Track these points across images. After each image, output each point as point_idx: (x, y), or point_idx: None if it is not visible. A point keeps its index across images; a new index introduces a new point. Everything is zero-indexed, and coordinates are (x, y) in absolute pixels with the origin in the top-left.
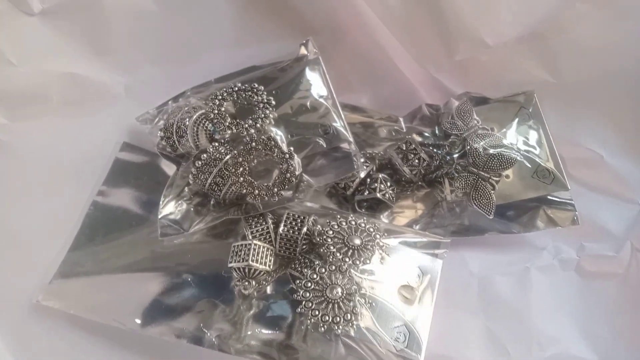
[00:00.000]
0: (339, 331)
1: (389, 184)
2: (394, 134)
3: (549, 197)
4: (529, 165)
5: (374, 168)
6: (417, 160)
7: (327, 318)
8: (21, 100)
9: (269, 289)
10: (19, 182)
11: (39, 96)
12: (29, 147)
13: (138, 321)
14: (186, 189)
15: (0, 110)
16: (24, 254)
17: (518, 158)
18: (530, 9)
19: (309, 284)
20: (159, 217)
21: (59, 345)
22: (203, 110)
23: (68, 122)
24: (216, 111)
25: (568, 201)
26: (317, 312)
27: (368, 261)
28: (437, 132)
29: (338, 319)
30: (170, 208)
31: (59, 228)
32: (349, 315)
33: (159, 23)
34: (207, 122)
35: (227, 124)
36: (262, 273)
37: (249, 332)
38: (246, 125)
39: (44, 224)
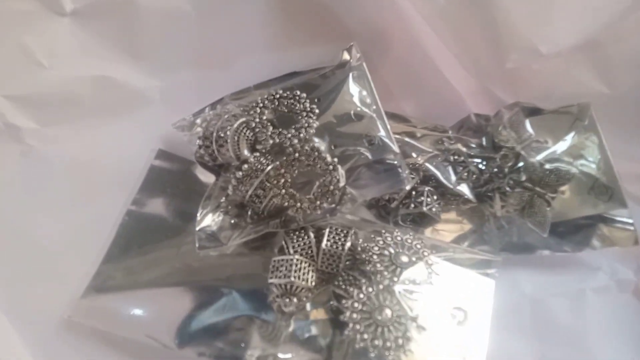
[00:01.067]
0: (390, 357)
1: (435, 197)
2: (439, 144)
3: (605, 215)
4: (586, 181)
5: (419, 180)
6: (466, 174)
7: (377, 343)
8: (52, 105)
9: (308, 306)
10: (50, 190)
11: (70, 100)
12: (60, 154)
13: (174, 338)
14: (224, 200)
15: (30, 114)
16: (55, 267)
17: (576, 173)
18: (588, 17)
19: (357, 305)
20: (197, 229)
21: None
22: (244, 119)
23: (101, 127)
24: (258, 120)
25: (626, 220)
26: (366, 336)
27: (416, 281)
28: (484, 143)
29: (389, 344)
30: (208, 220)
31: (91, 239)
32: (400, 340)
33: (195, 25)
34: (249, 131)
35: (270, 133)
36: (303, 290)
37: (289, 354)
38: (289, 135)
39: (76, 235)
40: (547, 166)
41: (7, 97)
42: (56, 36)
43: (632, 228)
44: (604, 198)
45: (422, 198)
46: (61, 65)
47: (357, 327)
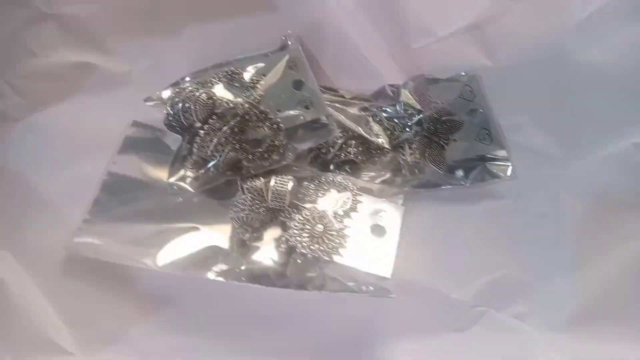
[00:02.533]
0: (324, 258)
1: (360, 149)
2: (364, 109)
3: (489, 156)
4: (472, 131)
5: (348, 137)
6: (382, 130)
7: (313, 247)
8: (42, 87)
9: (262, 235)
10: (42, 155)
11: (58, 82)
12: (49, 125)
13: (159, 263)
14: (190, 156)
15: (25, 94)
16: (50, 213)
17: (464, 124)
18: (473, 4)
19: (298, 224)
20: (169, 180)
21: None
22: (205, 90)
23: (85, 104)
24: (214, 90)
25: (505, 158)
26: (305, 243)
27: (345, 206)
28: (397, 107)
29: (322, 247)
30: (178, 173)
31: (79, 193)
32: (331, 245)
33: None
34: (209, 99)
35: (225, 100)
36: (256, 220)
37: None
38: (241, 102)
39: (66, 190)
40: (442, 119)
41: (7, 81)
42: (45, 31)
43: (509, 163)
44: (487, 142)
45: (350, 149)
46: (49, 54)
47: (299, 238)
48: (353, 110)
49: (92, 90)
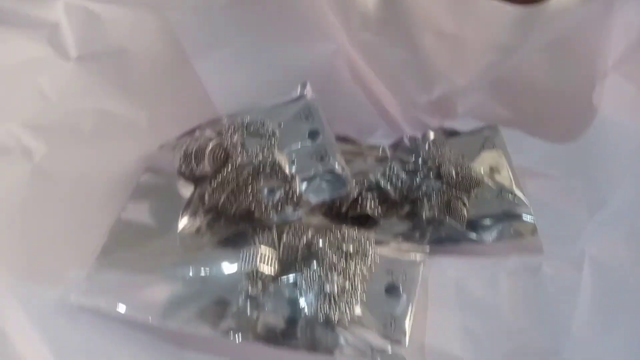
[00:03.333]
0: (335, 320)
1: (376, 202)
2: (380, 161)
3: (512, 212)
4: (494, 187)
5: (364, 189)
6: (399, 183)
7: (324, 308)
8: (58, 131)
9: (272, 290)
10: (54, 200)
11: (73, 128)
12: (63, 171)
13: (161, 317)
14: (202, 205)
15: (41, 139)
16: (57, 258)
17: (485, 180)
18: (494, 61)
19: (307, 281)
20: (178, 230)
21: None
22: (219, 140)
23: (98, 150)
24: (229, 140)
25: (528, 215)
26: (314, 306)
27: (359, 264)
28: (416, 159)
29: (334, 310)
30: (188, 222)
31: (89, 238)
32: (343, 305)
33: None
34: (222, 149)
35: (239, 151)
36: (267, 275)
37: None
38: (255, 153)
39: (76, 235)
40: (462, 174)
41: (23, 124)
42: (63, 76)
43: (532, 220)
44: (510, 199)
45: (366, 202)
46: (66, 100)
47: (307, 299)
48: (370, 161)
49: (107, 137)
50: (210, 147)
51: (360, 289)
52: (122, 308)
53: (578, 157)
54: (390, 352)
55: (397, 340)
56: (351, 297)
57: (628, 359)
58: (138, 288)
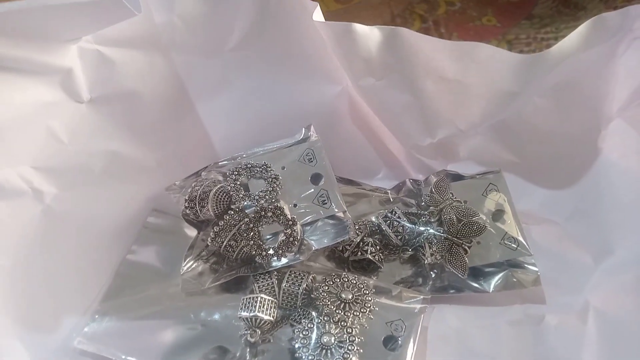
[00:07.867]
0: None
1: (378, 247)
2: (383, 204)
3: (515, 261)
4: (497, 234)
5: (367, 234)
6: (401, 228)
7: None
8: (69, 173)
9: (272, 338)
10: (63, 241)
11: (84, 169)
12: (73, 212)
13: None
14: (205, 250)
15: (52, 181)
16: (62, 301)
17: (487, 227)
18: (497, 106)
19: (305, 332)
20: (182, 273)
21: None
22: (222, 184)
23: (107, 191)
24: (232, 185)
25: (531, 264)
26: (312, 357)
27: (357, 313)
28: (418, 203)
29: None
30: (191, 266)
31: (94, 281)
32: (339, 358)
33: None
34: (225, 194)
35: (242, 195)
36: (267, 323)
37: None
38: (257, 197)
39: (82, 277)
40: (464, 221)
41: (34, 167)
42: (74, 119)
43: (536, 270)
44: (513, 247)
45: (367, 247)
46: (78, 142)
47: (305, 350)
48: (374, 203)
49: (116, 178)
50: (213, 191)
51: (358, 341)
52: (124, 354)
53: (582, 202)
54: None
55: None
56: (348, 349)
57: None
58: (140, 334)
